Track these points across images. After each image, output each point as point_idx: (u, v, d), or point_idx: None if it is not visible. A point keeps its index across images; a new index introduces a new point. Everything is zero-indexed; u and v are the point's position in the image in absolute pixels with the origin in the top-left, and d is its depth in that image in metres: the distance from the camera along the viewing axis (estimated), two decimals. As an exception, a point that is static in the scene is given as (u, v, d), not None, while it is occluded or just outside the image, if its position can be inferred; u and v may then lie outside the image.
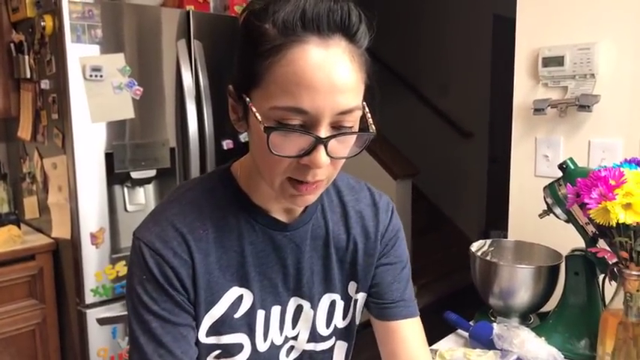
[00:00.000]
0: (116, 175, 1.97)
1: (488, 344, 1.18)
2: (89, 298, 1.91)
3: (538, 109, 1.42)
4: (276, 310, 0.78)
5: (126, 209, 2.05)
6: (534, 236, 1.43)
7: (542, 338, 1.12)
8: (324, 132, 0.61)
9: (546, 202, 1.24)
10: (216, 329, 0.74)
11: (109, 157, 1.93)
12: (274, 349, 0.79)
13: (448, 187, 4.52)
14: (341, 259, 0.82)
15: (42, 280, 1.98)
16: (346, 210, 0.83)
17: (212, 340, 0.75)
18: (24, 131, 2.14)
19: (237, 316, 0.75)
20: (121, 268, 1.96)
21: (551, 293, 1.28)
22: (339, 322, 0.84)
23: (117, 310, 1.96)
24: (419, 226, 3.78)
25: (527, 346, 1.07)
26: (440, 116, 4.48)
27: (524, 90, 1.49)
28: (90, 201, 1.90)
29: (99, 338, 1.93)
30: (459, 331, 1.33)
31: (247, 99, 0.64)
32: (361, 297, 0.85)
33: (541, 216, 1.26)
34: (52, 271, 2.00)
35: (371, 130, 0.66)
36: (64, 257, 2.00)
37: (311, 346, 0.82)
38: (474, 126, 4.39)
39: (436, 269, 3.96)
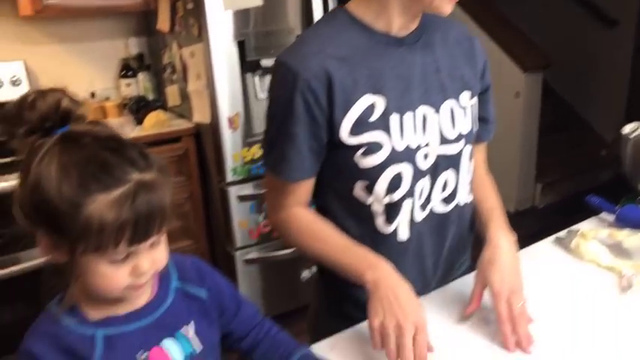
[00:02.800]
0: (248, 64, 2.05)
1: (639, 226, 1.12)
2: (229, 177, 2.09)
3: None
4: (408, 115, 0.89)
5: (257, 97, 2.15)
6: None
7: None
8: None
9: None
10: (355, 130, 0.86)
11: (240, 46, 1.99)
12: (411, 152, 0.89)
13: (581, 81, 4.13)
14: (451, 73, 0.93)
15: (187, 160, 2.18)
16: (449, 35, 0.96)
17: (354, 140, 0.87)
18: (162, 23, 2.27)
19: (372, 119, 0.87)
20: (256, 151, 2.10)
21: None
22: (461, 126, 0.94)
23: (253, 188, 2.13)
24: (546, 123, 3.54)
25: (688, 227, 1.00)
26: (579, 1, 4.00)
27: None
28: (226, 87, 2.01)
29: (239, 212, 2.13)
30: (602, 215, 1.28)
31: None
32: (474, 105, 0.97)
33: None
34: (195, 152, 2.20)
35: None
36: (205, 140, 2.18)
37: (442, 150, 0.92)
38: (619, 12, 3.87)
39: (562, 169, 3.75)
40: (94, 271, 0.62)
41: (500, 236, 0.93)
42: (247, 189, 2.12)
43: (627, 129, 1.30)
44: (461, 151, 0.95)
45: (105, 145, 0.62)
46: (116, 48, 2.49)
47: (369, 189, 0.89)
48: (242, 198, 2.13)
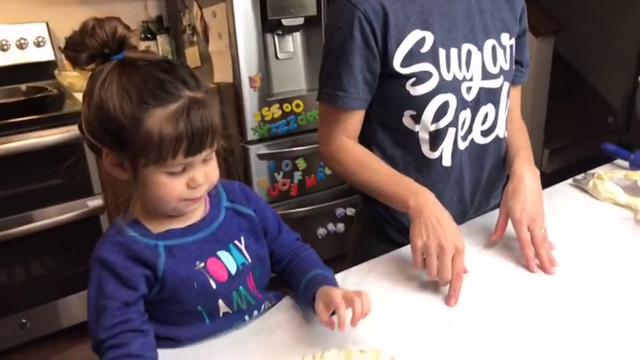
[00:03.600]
0: (268, 23, 2.09)
1: (653, 168, 1.19)
2: (250, 135, 2.15)
3: None
4: (454, 51, 0.97)
5: (277, 57, 2.19)
6: None
7: None
8: None
9: None
10: (407, 61, 0.95)
11: (262, 5, 2.03)
12: (457, 83, 0.97)
13: (592, 47, 4.14)
14: (493, 14, 1.02)
15: (209, 119, 2.24)
16: None
17: (405, 70, 0.95)
18: (182, -16, 2.30)
19: (422, 50, 0.95)
20: (275, 111, 2.16)
21: None
22: (502, 63, 1.02)
23: (273, 147, 2.19)
24: (555, 89, 3.58)
25: (700, 164, 1.07)
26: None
27: None
28: (247, 47, 2.05)
29: (258, 171, 2.19)
30: (617, 162, 1.34)
31: None
32: (512, 46, 1.05)
33: None
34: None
35: None
36: (225, 99, 2.24)
37: (484, 84, 1.00)
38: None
39: (570, 135, 3.80)
40: (154, 182, 0.70)
41: (525, 170, 1.00)
42: (267, 148, 2.19)
43: (643, 78, 1.35)
44: (501, 86, 1.02)
45: (158, 67, 0.69)
46: (135, 10, 2.52)
47: (417, 117, 0.97)
48: (261, 157, 2.19)
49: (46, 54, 2.27)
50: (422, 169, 1.01)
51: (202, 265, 0.77)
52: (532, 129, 3.49)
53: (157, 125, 0.66)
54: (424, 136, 0.99)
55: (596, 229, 1.06)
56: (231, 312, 0.79)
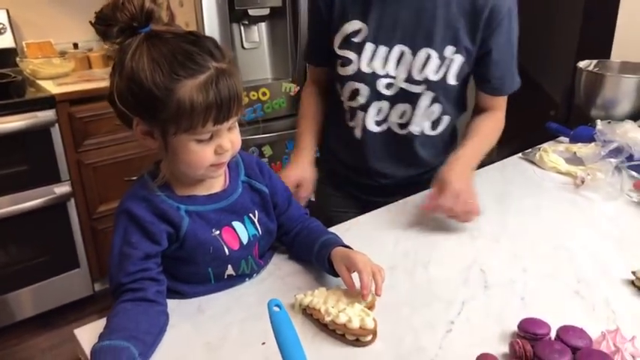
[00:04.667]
0: (235, 13, 2.15)
1: (590, 141, 1.34)
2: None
3: None
4: (382, 49, 1.07)
5: (243, 46, 2.26)
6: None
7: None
8: None
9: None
10: (341, 44, 1.11)
11: (228, -6, 2.09)
12: (373, 77, 1.09)
13: (533, 42, 4.37)
14: (447, 24, 1.04)
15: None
16: None
17: (338, 51, 1.11)
18: (146, -26, 2.32)
19: (354, 40, 1.08)
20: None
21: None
22: (430, 73, 1.07)
23: (244, 133, 2.25)
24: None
25: (629, 134, 1.23)
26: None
27: None
28: (214, 37, 2.10)
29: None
30: (559, 139, 1.50)
31: None
32: (459, 60, 1.07)
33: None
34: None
35: None
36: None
37: (405, 86, 1.09)
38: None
39: (515, 127, 4.02)
40: (185, 150, 0.74)
41: (461, 154, 1.08)
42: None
43: (582, 64, 1.51)
44: (421, 93, 1.09)
45: (185, 39, 0.73)
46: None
47: (341, 91, 1.15)
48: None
49: (7, 41, 2.24)
50: (344, 130, 1.20)
51: (218, 232, 0.83)
52: (481, 121, 3.71)
53: (188, 95, 0.70)
54: (345, 107, 1.17)
55: (542, 193, 1.20)
56: (235, 275, 0.86)
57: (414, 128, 1.14)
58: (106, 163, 2.07)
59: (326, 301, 0.77)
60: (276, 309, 0.58)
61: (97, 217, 2.12)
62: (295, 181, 1.11)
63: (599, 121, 1.33)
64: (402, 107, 1.12)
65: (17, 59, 2.19)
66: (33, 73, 2.14)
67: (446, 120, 1.15)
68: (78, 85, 2.05)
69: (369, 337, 0.72)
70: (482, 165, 1.17)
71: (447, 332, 0.75)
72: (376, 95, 1.10)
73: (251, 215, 0.88)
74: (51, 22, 2.40)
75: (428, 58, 1.06)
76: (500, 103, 1.21)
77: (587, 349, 0.66)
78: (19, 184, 1.91)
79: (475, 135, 1.16)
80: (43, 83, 2.07)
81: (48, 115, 1.89)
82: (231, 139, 0.77)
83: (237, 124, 0.79)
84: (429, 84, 1.08)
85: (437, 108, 1.12)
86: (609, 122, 1.31)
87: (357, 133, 1.17)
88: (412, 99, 1.10)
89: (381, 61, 1.07)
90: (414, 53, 1.06)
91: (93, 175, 2.07)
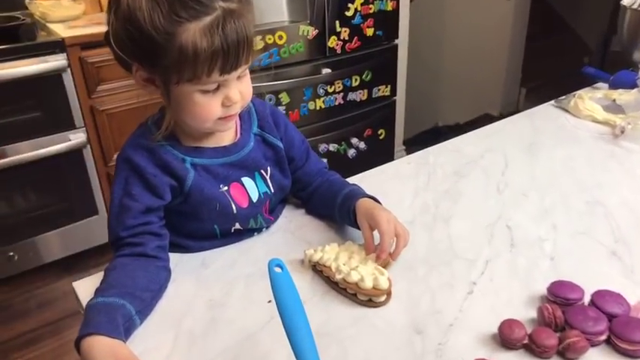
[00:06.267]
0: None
1: (632, 87, 1.23)
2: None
3: None
4: None
5: (258, -14, 2.13)
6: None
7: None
8: None
9: None
10: None
11: None
12: None
13: (570, -13, 4.12)
14: None
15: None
16: None
17: None
18: None
19: None
20: (257, 43, 2.12)
21: None
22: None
23: (255, 81, 2.16)
24: (533, 29, 3.59)
25: (677, 79, 1.11)
26: None
27: None
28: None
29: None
30: (598, 85, 1.38)
31: None
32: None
33: None
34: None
35: None
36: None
37: None
38: None
39: (546, 74, 3.85)
40: (188, 101, 0.67)
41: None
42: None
43: (626, 1, 1.37)
44: None
45: None
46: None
47: None
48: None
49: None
50: None
51: (225, 188, 0.77)
52: (510, 67, 3.55)
53: (190, 40, 0.62)
54: None
55: (576, 143, 1.11)
56: (242, 229, 0.81)
57: None
58: (121, 110, 2.02)
59: (337, 257, 0.72)
60: (277, 270, 0.52)
61: (112, 164, 2.10)
62: None
63: (643, 66, 1.21)
64: None
65: (26, 1, 2.11)
66: (42, 15, 2.07)
67: None
68: (89, 28, 1.97)
69: (383, 298, 0.67)
70: (507, 114, 1.08)
71: (468, 294, 0.69)
72: None
73: (262, 172, 0.81)
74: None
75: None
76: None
77: (624, 316, 0.60)
78: (34, 130, 1.88)
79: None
80: (53, 27, 2.00)
81: (59, 59, 1.84)
82: (240, 89, 0.69)
83: (247, 72, 0.70)
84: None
85: None
86: (655, 66, 1.20)
87: None
88: None
89: None
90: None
91: (107, 122, 2.03)
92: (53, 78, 1.85)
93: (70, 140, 1.95)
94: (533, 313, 0.64)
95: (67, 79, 1.88)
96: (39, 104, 1.87)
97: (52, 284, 2.07)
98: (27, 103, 1.85)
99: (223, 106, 0.69)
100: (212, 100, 0.68)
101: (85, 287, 0.70)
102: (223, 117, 0.70)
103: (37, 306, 1.97)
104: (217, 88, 0.67)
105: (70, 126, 1.95)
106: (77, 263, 2.12)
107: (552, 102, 1.30)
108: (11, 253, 1.97)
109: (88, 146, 2.01)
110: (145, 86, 0.70)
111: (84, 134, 1.97)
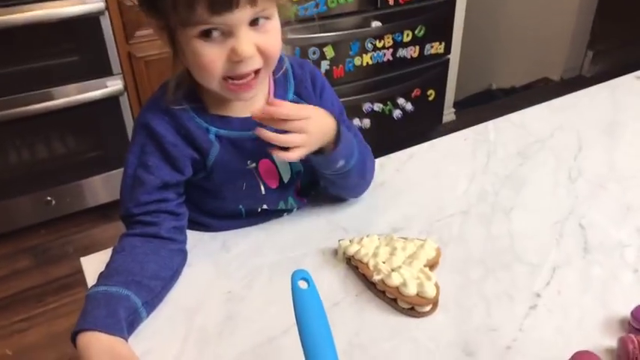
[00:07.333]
0: None
1: None
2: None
3: None
4: None
5: None
6: None
7: None
8: None
9: None
10: None
11: None
12: None
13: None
14: None
15: None
16: None
17: None
18: None
19: None
20: (305, -10, 1.97)
21: None
22: None
23: (299, 31, 2.03)
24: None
25: None
26: None
27: None
28: None
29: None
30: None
31: None
32: None
33: None
34: None
35: None
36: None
37: None
38: None
39: (619, 37, 3.52)
40: (190, 51, 0.57)
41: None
42: (292, 32, 2.00)
43: None
44: None
45: None
46: None
47: None
48: (286, 41, 2.01)
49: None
50: None
51: (254, 165, 0.67)
52: (577, 27, 3.25)
53: None
54: None
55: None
56: (269, 210, 0.72)
57: None
58: (160, 57, 1.94)
59: (376, 253, 0.61)
60: (302, 285, 0.42)
61: (149, 115, 2.05)
62: None
63: None
64: None
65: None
66: (82, -46, 1.97)
67: None
68: (128, -31, 1.88)
69: (428, 308, 0.57)
70: (568, 79, 0.92)
71: (531, 309, 0.58)
72: None
73: None
74: None
75: None
76: None
77: None
78: (71, 75, 1.84)
79: None
80: (90, -34, 1.91)
81: (97, 1, 1.76)
82: (258, 42, 0.57)
83: (273, 23, 0.59)
84: None
85: None
86: None
87: None
88: None
89: None
90: None
91: (145, 70, 1.96)
92: (91, 21, 1.77)
93: (106, 87, 1.89)
94: (611, 342, 0.53)
95: (105, 22, 1.80)
96: (76, 49, 1.81)
97: (89, 230, 2.08)
98: (63, 47, 1.79)
99: (230, 61, 0.57)
100: (214, 50, 0.56)
101: (93, 265, 0.63)
102: (232, 76, 0.58)
103: (73, 251, 1.99)
104: (224, 38, 0.56)
105: (107, 72, 1.88)
106: (113, 212, 2.11)
107: (637, 73, 1.13)
108: (49, 198, 1.97)
109: (125, 94, 1.95)
110: (161, 36, 0.60)
111: (121, 81, 1.91)
